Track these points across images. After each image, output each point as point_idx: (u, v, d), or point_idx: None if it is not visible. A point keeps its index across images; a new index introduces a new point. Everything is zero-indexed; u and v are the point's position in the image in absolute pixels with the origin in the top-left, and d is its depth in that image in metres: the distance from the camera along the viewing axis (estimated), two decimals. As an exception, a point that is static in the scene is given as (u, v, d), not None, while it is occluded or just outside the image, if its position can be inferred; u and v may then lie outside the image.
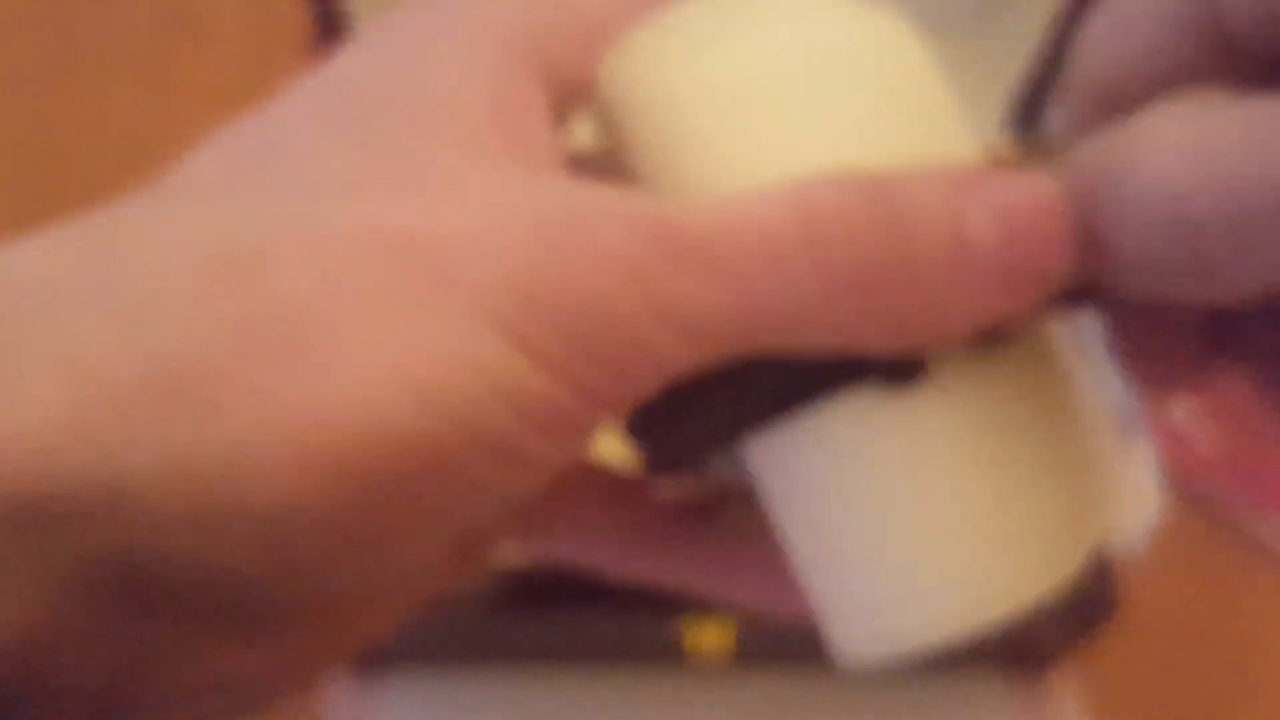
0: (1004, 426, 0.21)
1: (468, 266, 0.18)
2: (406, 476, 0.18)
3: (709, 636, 0.49)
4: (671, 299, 0.18)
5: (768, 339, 0.19)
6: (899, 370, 0.20)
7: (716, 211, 0.19)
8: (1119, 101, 0.20)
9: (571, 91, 0.21)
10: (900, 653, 0.21)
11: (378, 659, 0.52)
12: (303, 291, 0.18)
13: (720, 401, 0.21)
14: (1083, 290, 0.19)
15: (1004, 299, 0.19)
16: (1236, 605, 0.55)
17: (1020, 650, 0.52)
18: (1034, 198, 0.19)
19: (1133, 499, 0.55)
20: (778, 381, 0.20)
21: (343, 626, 0.21)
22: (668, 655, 0.51)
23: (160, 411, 0.17)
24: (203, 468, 0.17)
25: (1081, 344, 0.23)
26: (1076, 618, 0.49)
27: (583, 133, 0.23)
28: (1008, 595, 0.21)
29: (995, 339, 0.20)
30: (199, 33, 0.66)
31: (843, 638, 0.22)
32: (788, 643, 0.51)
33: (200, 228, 0.18)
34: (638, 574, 0.26)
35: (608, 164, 0.22)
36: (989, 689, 0.52)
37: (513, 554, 0.25)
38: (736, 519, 0.25)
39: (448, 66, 0.20)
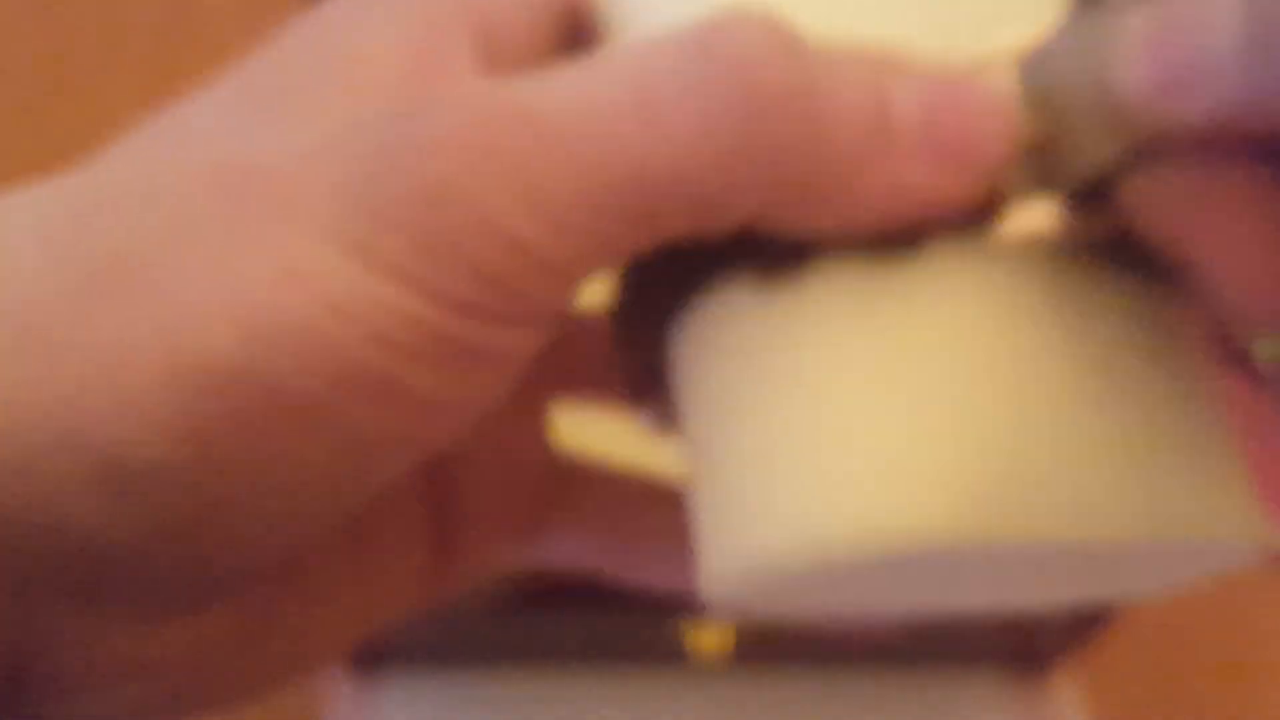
0: (910, 340, 0.18)
1: (302, 185, 0.17)
2: (247, 417, 0.17)
3: (709, 636, 0.49)
4: (534, 184, 0.17)
5: (658, 220, 0.17)
6: (783, 254, 0.18)
7: (574, 84, 0.17)
8: None
9: (511, 58, 0.20)
10: (762, 572, 0.18)
11: (378, 659, 0.52)
12: (139, 231, 0.17)
13: (642, 285, 0.20)
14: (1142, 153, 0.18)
15: (923, 180, 0.18)
16: (1236, 605, 0.55)
17: (1020, 650, 0.52)
18: (971, 94, 0.18)
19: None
20: (678, 266, 0.19)
21: (277, 617, 0.20)
22: (668, 655, 0.51)
23: (7, 372, 0.16)
24: (42, 420, 0.16)
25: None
26: (1076, 618, 0.49)
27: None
28: (883, 523, 0.17)
29: (915, 236, 0.18)
30: (199, 33, 0.66)
31: (712, 557, 0.19)
32: (788, 643, 0.51)
33: (58, 191, 0.18)
34: (630, 575, 0.25)
35: None
36: (989, 689, 0.52)
37: (511, 555, 0.25)
38: None
39: (369, 32, 0.19)
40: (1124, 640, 0.53)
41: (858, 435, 0.18)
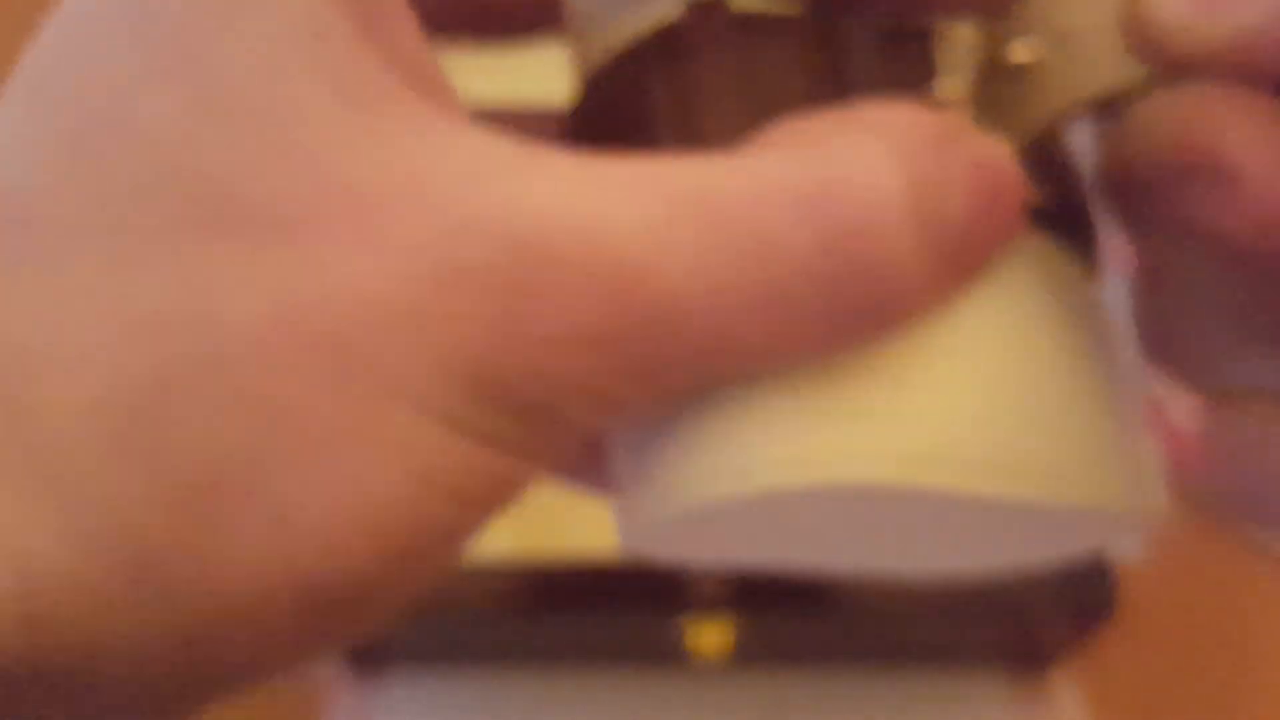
0: None
1: (405, 361, 0.15)
2: (363, 599, 0.16)
3: (709, 636, 0.49)
4: (647, 367, 0.16)
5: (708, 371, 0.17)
6: None
7: (693, 256, 0.16)
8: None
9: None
10: (677, 507, 0.18)
11: (378, 659, 0.52)
12: (227, 425, 0.15)
13: None
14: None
15: (946, 290, 0.18)
16: (1236, 605, 0.55)
17: (1020, 650, 0.52)
18: (1000, 201, 0.17)
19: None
20: None
21: None
22: (668, 655, 0.51)
23: (116, 599, 0.15)
24: (169, 644, 0.15)
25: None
26: (1076, 618, 0.49)
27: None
28: (801, 465, 0.17)
29: None
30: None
31: (632, 497, 0.19)
32: (788, 643, 0.51)
33: (78, 322, 0.15)
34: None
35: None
36: (989, 689, 0.52)
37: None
38: None
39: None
40: (1124, 640, 0.53)
41: (810, 382, 0.17)
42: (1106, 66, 0.19)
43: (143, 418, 0.15)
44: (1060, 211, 0.19)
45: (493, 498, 0.17)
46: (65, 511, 0.15)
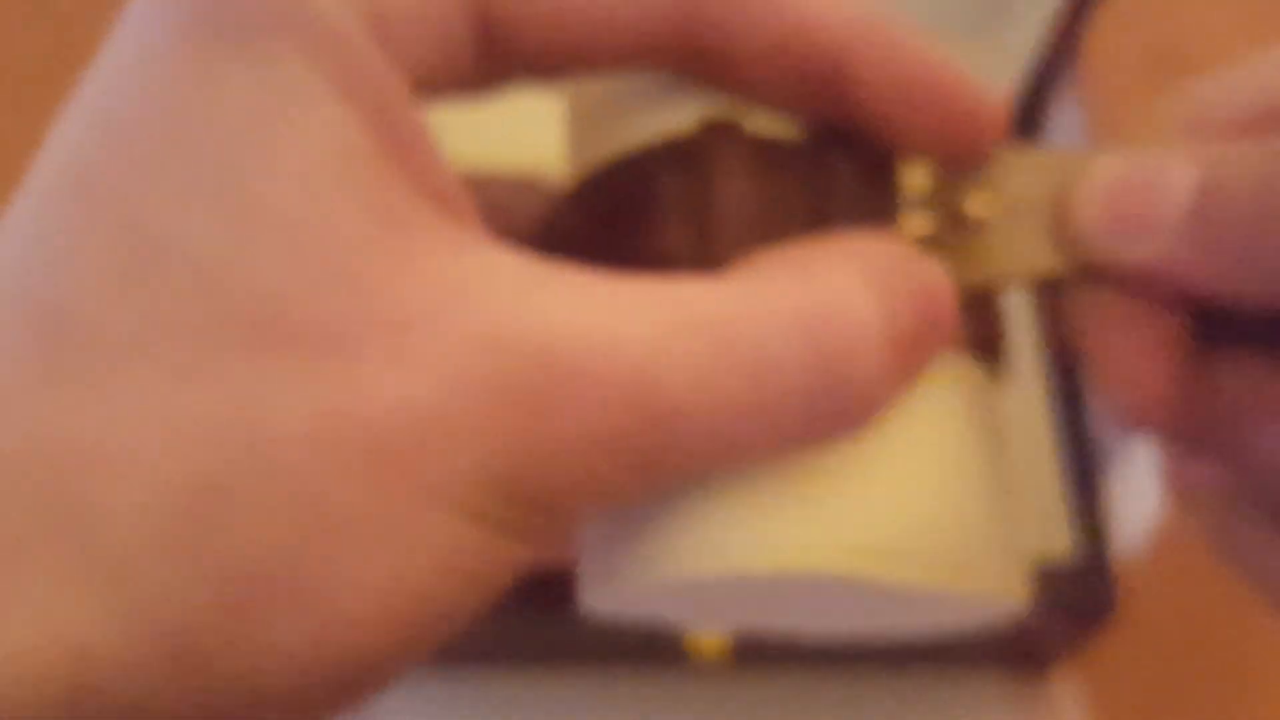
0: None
1: (439, 463, 0.17)
2: (376, 674, 0.18)
3: (709, 636, 0.49)
4: (650, 462, 0.18)
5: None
6: None
7: (694, 363, 0.18)
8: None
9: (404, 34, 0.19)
10: (655, 579, 0.20)
11: (378, 659, 0.52)
12: (275, 526, 0.16)
13: None
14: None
15: (899, 389, 0.21)
16: (1236, 605, 0.55)
17: (1020, 650, 0.52)
18: (940, 307, 0.20)
19: (1133, 500, 0.55)
20: None
21: None
22: (668, 655, 0.51)
23: (164, 690, 0.16)
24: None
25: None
26: (1076, 618, 0.49)
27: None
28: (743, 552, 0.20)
29: None
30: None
31: (605, 567, 0.21)
32: (788, 643, 0.51)
33: (130, 430, 0.16)
34: None
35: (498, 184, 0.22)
36: (989, 689, 0.52)
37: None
38: None
39: (302, 102, 0.17)
40: (1124, 640, 0.53)
41: (773, 478, 0.20)
42: (1044, 248, 0.22)
43: (190, 519, 0.16)
44: (982, 337, 0.22)
45: (499, 578, 0.18)
46: (115, 603, 0.16)
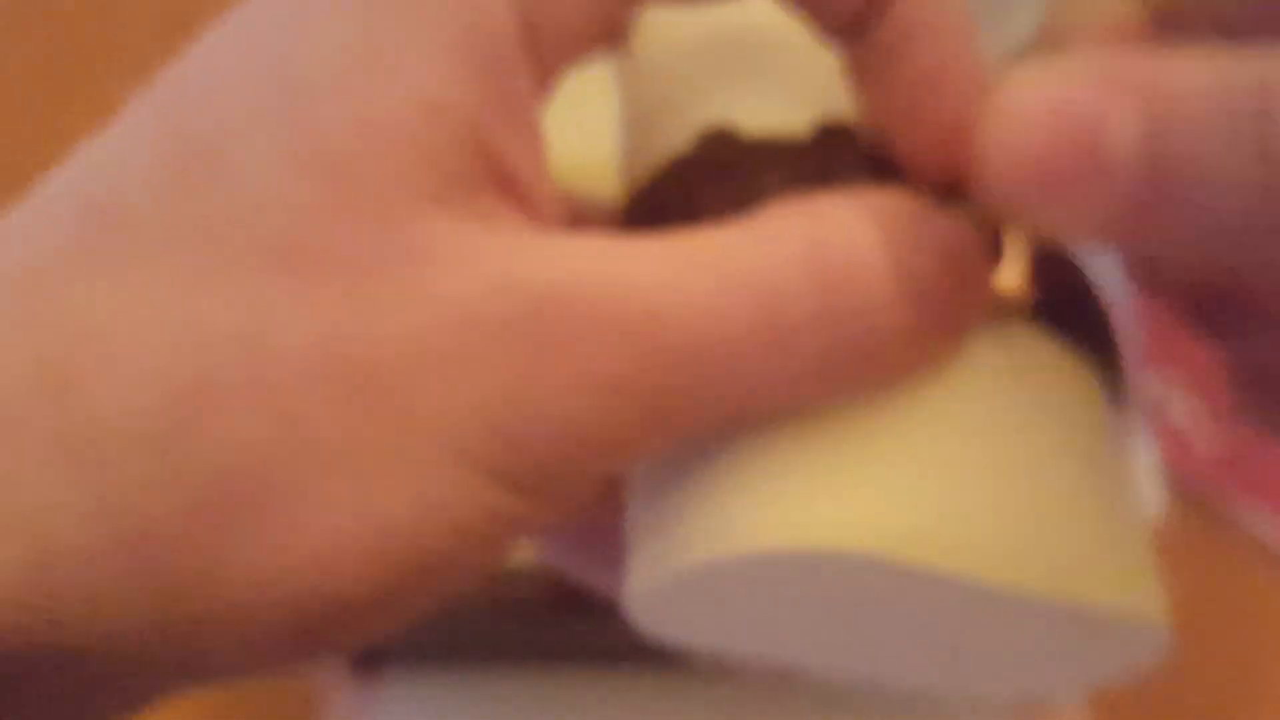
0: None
1: (432, 399, 0.17)
2: (351, 621, 0.17)
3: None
4: (663, 409, 0.17)
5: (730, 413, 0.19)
6: None
7: (702, 294, 0.18)
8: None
9: (567, 50, 0.19)
10: (674, 568, 0.19)
11: (378, 659, 0.52)
12: (256, 440, 0.16)
13: None
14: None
15: (935, 349, 0.19)
16: (1236, 605, 0.55)
17: (1020, 650, 0.52)
18: (972, 260, 0.19)
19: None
20: None
21: None
22: (668, 655, 0.51)
23: (122, 582, 0.16)
24: (160, 633, 0.16)
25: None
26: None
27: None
28: (818, 523, 0.18)
29: None
30: (199, 33, 0.66)
31: (641, 565, 0.20)
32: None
33: (144, 328, 0.17)
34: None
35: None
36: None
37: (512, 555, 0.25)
38: None
39: (409, 55, 0.17)
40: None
41: (810, 452, 0.18)
42: None
43: (171, 418, 0.16)
44: (1078, 325, 0.20)
45: (496, 536, 0.18)
46: (84, 492, 0.16)
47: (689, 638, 0.22)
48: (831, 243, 0.18)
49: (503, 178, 0.18)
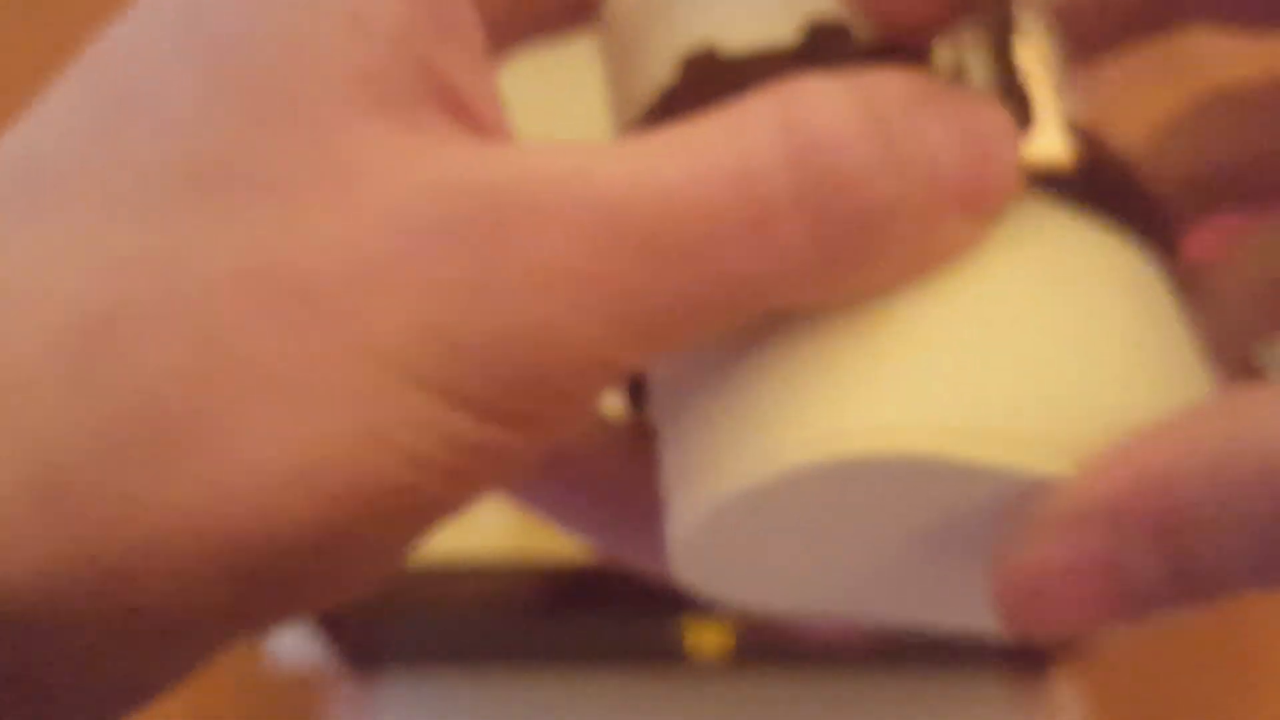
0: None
1: (371, 313, 0.15)
2: (304, 567, 0.15)
3: (709, 636, 0.49)
4: (635, 310, 0.16)
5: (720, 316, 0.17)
6: None
7: (674, 181, 0.16)
8: None
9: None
10: (713, 503, 0.17)
11: (378, 659, 0.52)
12: (178, 365, 0.15)
13: None
14: None
15: (959, 234, 0.18)
16: (1236, 605, 0.55)
17: (1020, 650, 0.52)
18: (999, 143, 0.18)
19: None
20: None
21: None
22: (668, 655, 0.51)
23: (20, 529, 0.15)
24: (80, 581, 0.15)
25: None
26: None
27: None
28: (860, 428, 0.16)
29: None
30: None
31: (679, 504, 0.18)
32: (788, 643, 0.51)
33: (55, 262, 0.16)
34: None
35: None
36: (989, 689, 0.52)
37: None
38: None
39: None
40: (1124, 640, 0.53)
41: (838, 355, 0.17)
42: None
43: (87, 352, 0.15)
44: (1122, 200, 0.19)
45: (464, 470, 0.16)
46: (2, 428, 0.15)
47: (733, 588, 0.20)
48: (808, 121, 0.16)
49: (443, 91, 0.17)
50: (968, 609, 0.20)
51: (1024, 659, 0.52)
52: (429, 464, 0.16)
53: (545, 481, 0.22)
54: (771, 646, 0.50)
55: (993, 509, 0.17)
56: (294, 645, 0.51)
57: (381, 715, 0.51)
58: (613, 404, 0.22)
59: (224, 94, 0.16)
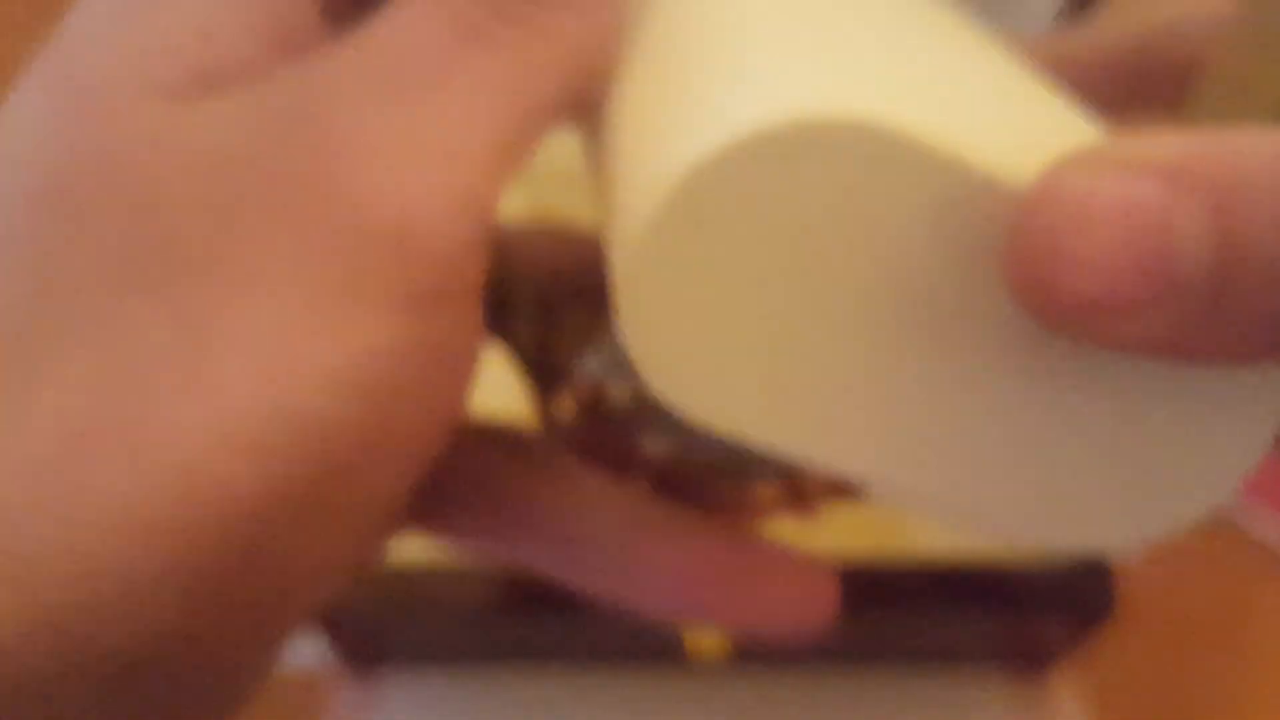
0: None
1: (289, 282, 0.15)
2: (264, 553, 0.15)
3: (709, 636, 0.49)
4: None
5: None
6: None
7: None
8: None
9: None
10: (668, 191, 0.15)
11: (378, 659, 0.52)
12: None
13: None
14: None
15: None
16: (1236, 605, 0.55)
17: (1020, 650, 0.52)
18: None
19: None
20: None
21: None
22: (668, 655, 0.51)
23: None
24: (31, 625, 0.14)
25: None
26: (1076, 618, 0.49)
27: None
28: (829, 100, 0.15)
29: None
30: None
31: (628, 204, 0.16)
32: (787, 643, 0.51)
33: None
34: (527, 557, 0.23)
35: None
36: (989, 689, 0.52)
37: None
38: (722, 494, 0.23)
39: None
40: (1124, 640, 0.53)
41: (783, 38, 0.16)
42: None
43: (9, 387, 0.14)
44: None
45: (418, 384, 0.15)
46: None
47: (695, 379, 0.17)
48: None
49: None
50: (971, 461, 0.18)
51: (1024, 659, 0.52)
52: (379, 386, 0.15)
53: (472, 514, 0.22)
54: (771, 646, 0.50)
55: (954, 232, 0.16)
56: (294, 645, 0.51)
57: (381, 715, 0.51)
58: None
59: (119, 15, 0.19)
